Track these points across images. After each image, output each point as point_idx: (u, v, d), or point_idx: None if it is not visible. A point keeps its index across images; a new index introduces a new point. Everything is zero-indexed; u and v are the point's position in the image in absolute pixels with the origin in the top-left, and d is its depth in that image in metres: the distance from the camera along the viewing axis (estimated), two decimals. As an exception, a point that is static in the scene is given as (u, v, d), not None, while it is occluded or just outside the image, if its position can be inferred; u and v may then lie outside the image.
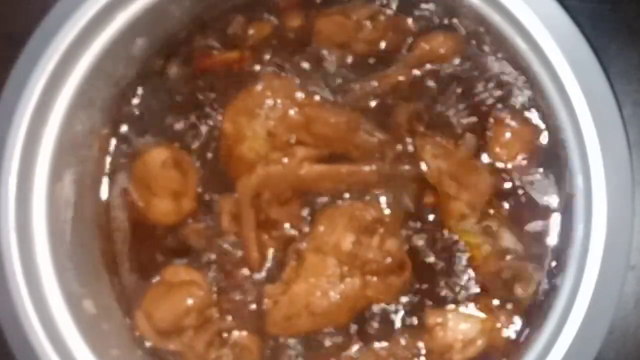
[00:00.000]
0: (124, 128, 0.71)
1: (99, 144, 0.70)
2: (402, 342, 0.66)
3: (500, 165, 0.66)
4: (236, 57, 0.69)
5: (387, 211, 0.66)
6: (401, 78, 0.67)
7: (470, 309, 0.65)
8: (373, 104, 0.68)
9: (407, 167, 0.67)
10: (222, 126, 0.68)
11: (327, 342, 0.67)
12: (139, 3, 0.64)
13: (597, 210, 0.58)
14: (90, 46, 0.65)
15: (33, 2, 0.70)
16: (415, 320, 0.66)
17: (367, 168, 0.66)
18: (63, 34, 0.63)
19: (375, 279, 0.65)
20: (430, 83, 0.68)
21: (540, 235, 0.65)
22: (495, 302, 0.65)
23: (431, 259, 0.66)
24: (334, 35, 0.68)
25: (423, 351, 0.66)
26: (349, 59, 0.69)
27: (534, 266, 0.65)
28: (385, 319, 0.66)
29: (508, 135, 0.66)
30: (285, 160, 0.66)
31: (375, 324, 0.66)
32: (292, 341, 0.67)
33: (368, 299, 0.65)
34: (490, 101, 0.67)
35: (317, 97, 0.67)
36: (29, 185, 0.64)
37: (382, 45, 0.68)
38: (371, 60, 0.68)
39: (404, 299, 0.66)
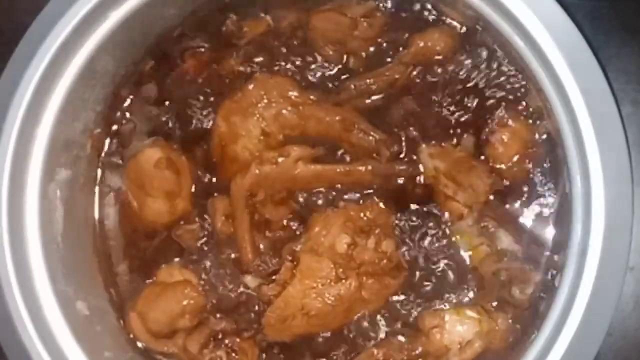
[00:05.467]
0: (117, 127, 0.71)
1: (92, 143, 0.70)
2: (399, 344, 0.65)
3: (498, 165, 0.66)
4: (222, 56, 0.69)
5: (382, 212, 0.65)
6: (397, 76, 0.67)
7: (468, 310, 0.65)
8: (368, 102, 0.67)
9: (403, 166, 0.66)
10: (216, 126, 0.68)
11: (323, 345, 0.66)
12: (131, 1, 0.64)
13: (595, 211, 0.57)
14: (82, 45, 0.64)
15: (26, 1, 0.69)
16: (412, 323, 0.65)
17: (362, 168, 0.66)
18: (56, 33, 0.62)
19: (371, 280, 0.64)
20: (427, 81, 0.67)
21: (538, 237, 0.65)
22: (493, 303, 0.65)
23: (428, 260, 0.66)
24: (329, 33, 0.67)
25: (420, 354, 0.65)
26: (344, 57, 0.68)
27: (531, 267, 0.64)
28: (382, 321, 0.66)
29: (506, 134, 0.65)
30: (280, 159, 0.66)
31: (372, 326, 0.66)
32: (287, 343, 0.66)
33: (364, 300, 0.65)
34: (487, 100, 0.66)
35: (311, 96, 0.67)
36: (21, 185, 0.64)
37: (378, 42, 0.68)
38: (367, 58, 0.68)
39: (401, 301, 0.66)
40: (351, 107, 0.67)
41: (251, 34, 0.69)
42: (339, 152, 0.67)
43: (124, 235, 0.71)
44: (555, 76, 0.59)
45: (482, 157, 0.66)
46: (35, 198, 0.64)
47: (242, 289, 0.67)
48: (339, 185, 0.66)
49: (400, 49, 0.67)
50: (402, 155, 0.66)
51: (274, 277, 0.66)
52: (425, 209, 0.66)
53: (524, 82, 0.65)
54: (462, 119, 0.66)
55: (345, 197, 0.66)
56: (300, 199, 0.67)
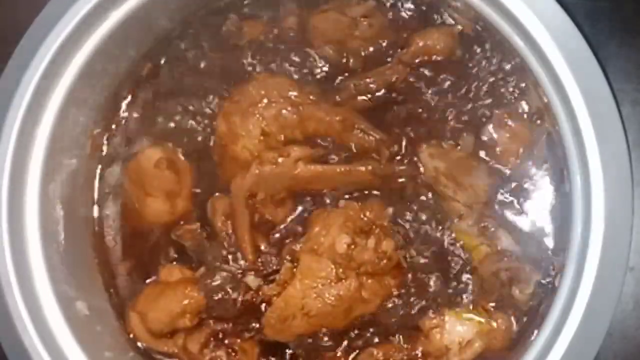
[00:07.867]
0: (117, 127, 0.71)
1: (91, 143, 0.70)
2: (399, 345, 0.65)
3: (497, 165, 0.66)
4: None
5: (382, 212, 0.65)
6: (397, 76, 0.67)
7: (468, 311, 0.65)
8: (368, 102, 0.67)
9: (403, 166, 0.66)
10: (216, 126, 0.68)
11: (323, 345, 0.66)
12: (131, 1, 0.64)
13: (595, 211, 0.57)
14: (82, 45, 0.64)
15: (26, 1, 0.69)
16: (411, 323, 0.65)
17: (362, 168, 0.66)
18: (56, 33, 0.62)
19: (371, 280, 0.64)
20: (427, 81, 0.67)
21: (538, 236, 0.65)
22: (493, 303, 0.65)
23: (428, 260, 0.66)
24: (329, 33, 0.67)
25: (420, 354, 0.65)
26: (344, 57, 0.68)
27: (531, 267, 0.64)
28: (381, 321, 0.66)
29: (506, 134, 0.65)
30: (280, 160, 0.65)
31: (371, 327, 0.66)
32: (287, 343, 0.66)
33: (364, 300, 0.64)
34: (487, 100, 0.66)
35: (311, 96, 0.67)
36: (21, 185, 0.64)
37: (378, 42, 0.68)
38: (366, 58, 0.68)
39: (400, 301, 0.65)
40: (351, 107, 0.67)
41: (251, 34, 0.69)
42: (339, 152, 0.67)
43: (124, 235, 0.71)
44: (555, 76, 0.59)
45: (482, 157, 0.66)
46: (35, 198, 0.64)
47: (242, 288, 0.67)
48: (339, 186, 0.66)
49: (400, 48, 0.67)
50: (401, 156, 0.66)
51: (274, 277, 0.66)
52: (425, 209, 0.66)
53: (524, 82, 0.65)
54: (462, 119, 0.66)
55: (345, 197, 0.66)
56: (300, 199, 0.67)
